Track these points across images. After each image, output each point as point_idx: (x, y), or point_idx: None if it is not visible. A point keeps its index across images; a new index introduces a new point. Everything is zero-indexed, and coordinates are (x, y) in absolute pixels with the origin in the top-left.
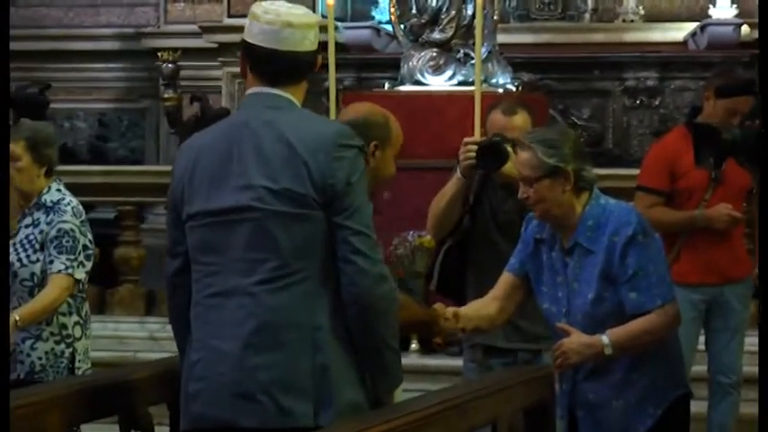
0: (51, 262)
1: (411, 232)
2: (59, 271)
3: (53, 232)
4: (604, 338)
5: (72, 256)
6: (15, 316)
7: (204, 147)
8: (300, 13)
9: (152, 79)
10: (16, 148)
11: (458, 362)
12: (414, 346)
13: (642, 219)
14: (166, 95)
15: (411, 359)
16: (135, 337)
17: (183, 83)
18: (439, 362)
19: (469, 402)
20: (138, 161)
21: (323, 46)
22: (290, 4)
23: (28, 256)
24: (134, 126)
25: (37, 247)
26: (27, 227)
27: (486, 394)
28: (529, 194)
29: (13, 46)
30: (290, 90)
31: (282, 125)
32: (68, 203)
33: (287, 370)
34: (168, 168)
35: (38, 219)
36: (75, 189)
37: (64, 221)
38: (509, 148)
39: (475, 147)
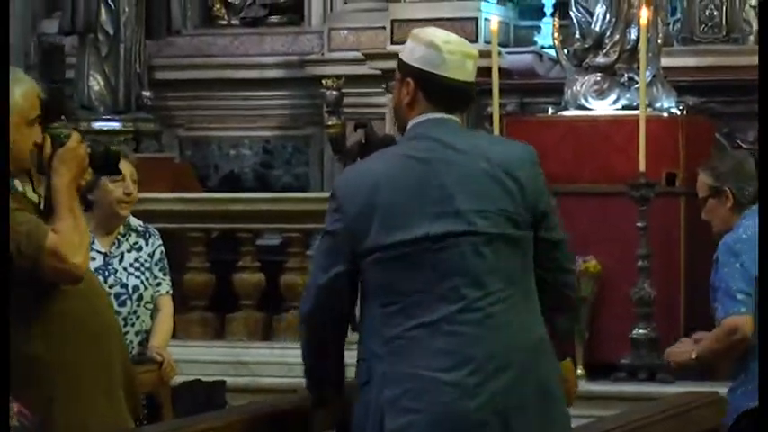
0: (159, 284)
1: (577, 258)
2: (167, 292)
3: (157, 255)
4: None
5: (169, 278)
6: (158, 352)
7: (385, 175)
8: (469, 44)
9: (316, 106)
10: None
11: (623, 387)
12: (579, 371)
13: (731, 242)
14: (330, 122)
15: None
16: (301, 363)
17: (346, 110)
18: (605, 387)
19: (643, 429)
20: (302, 188)
21: (486, 72)
22: (452, 34)
23: (147, 279)
24: (298, 153)
25: (149, 269)
26: (130, 251)
27: (658, 420)
28: (704, 216)
29: (180, 75)
30: (460, 117)
31: (479, 148)
32: (150, 226)
33: (517, 392)
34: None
35: (137, 242)
36: (241, 216)
37: (161, 243)
38: None
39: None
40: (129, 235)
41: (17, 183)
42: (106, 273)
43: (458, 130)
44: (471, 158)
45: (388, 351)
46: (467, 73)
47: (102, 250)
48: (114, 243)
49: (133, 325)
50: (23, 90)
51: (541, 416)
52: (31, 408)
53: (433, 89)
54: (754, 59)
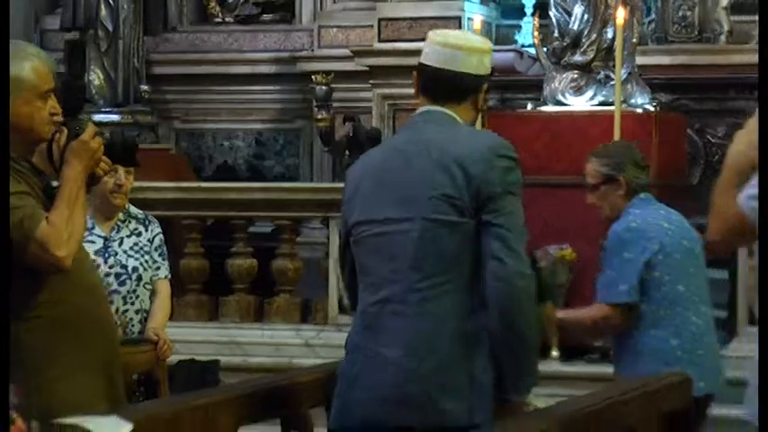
0: (158, 268)
1: (553, 246)
2: (166, 276)
3: (157, 241)
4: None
5: (168, 263)
6: (155, 333)
7: (369, 164)
8: (471, 38)
9: (306, 101)
10: (129, 175)
11: (596, 368)
12: (554, 353)
13: (621, 231)
14: (320, 116)
15: (552, 366)
16: (291, 344)
17: (335, 104)
18: (578, 368)
19: (612, 407)
20: (292, 178)
21: None
22: (467, 32)
23: (146, 261)
24: (289, 145)
25: (148, 253)
26: (130, 236)
27: (628, 399)
28: (593, 200)
29: (176, 69)
30: (453, 108)
31: (444, 140)
32: (149, 214)
33: (445, 374)
34: (323, 185)
35: (136, 228)
36: (234, 204)
37: (160, 231)
38: None
39: None
40: (129, 221)
41: (35, 162)
42: (106, 255)
43: (438, 122)
44: (429, 148)
45: (360, 324)
46: (455, 63)
47: (102, 234)
48: (114, 228)
49: (133, 303)
50: (32, 64)
51: (470, 403)
52: (21, 392)
53: (423, 80)
54: (725, 58)
